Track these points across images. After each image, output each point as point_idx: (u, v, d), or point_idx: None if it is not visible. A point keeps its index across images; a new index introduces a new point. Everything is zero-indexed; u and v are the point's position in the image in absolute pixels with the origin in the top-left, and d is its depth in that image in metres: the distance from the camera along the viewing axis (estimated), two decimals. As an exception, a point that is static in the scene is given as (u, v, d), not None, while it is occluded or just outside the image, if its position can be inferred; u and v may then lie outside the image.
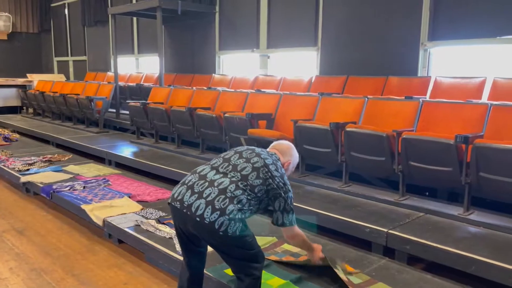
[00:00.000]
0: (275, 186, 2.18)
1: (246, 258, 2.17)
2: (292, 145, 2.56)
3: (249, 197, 2.12)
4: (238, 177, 2.14)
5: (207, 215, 2.01)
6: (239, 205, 2.07)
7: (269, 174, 2.18)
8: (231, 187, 2.09)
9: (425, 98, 4.53)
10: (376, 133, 3.53)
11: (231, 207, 2.04)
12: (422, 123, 3.70)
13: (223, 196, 2.06)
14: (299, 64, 6.95)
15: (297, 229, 2.33)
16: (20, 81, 11.12)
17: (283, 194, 2.20)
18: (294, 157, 2.51)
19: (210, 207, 2.02)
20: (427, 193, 3.77)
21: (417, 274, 2.70)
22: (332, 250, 3.07)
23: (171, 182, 4.74)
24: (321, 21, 6.35)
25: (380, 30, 5.70)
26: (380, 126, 3.72)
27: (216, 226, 2.01)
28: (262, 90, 5.73)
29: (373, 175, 4.11)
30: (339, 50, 6.16)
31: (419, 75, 5.31)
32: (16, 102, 10.83)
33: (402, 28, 5.46)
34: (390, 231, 3.01)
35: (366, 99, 4.16)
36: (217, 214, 2.01)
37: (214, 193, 2.07)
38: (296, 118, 4.26)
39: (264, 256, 2.30)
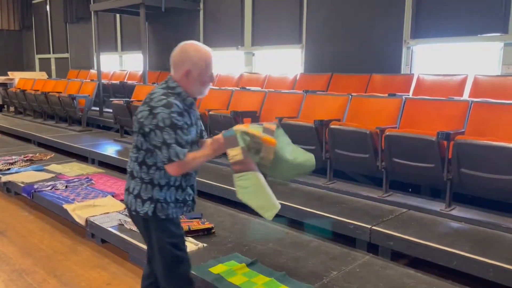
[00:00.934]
0: (141, 123, 1.85)
1: (164, 253, 1.98)
2: (188, 45, 1.96)
3: (139, 160, 1.92)
4: (131, 150, 1.99)
5: (124, 199, 2.02)
6: (138, 177, 1.92)
7: (137, 118, 1.88)
8: (128, 163, 2.00)
9: (408, 95, 4.58)
10: (360, 130, 3.55)
11: (132, 183, 1.95)
12: (405, 120, 3.74)
13: (127, 176, 2.00)
14: (284, 62, 6.96)
15: (187, 159, 1.85)
16: (0, 79, 10.90)
17: (147, 124, 1.82)
18: (192, 58, 1.92)
19: (125, 191, 2.02)
20: (410, 190, 3.81)
21: (401, 270, 2.73)
22: (316, 247, 3.08)
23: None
24: (305, 19, 6.36)
25: (363, 28, 5.74)
26: (364, 123, 3.75)
27: (129, 205, 1.98)
28: (247, 87, 5.72)
29: (357, 172, 4.14)
30: (323, 48, 6.19)
31: (402, 72, 5.37)
32: (-4, 101, 10.62)
33: (385, 26, 5.51)
34: (373, 228, 3.03)
35: (350, 96, 4.18)
36: (126, 194, 1.99)
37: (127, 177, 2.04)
38: (281, 115, 4.26)
39: (190, 263, 2.08)
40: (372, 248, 3.06)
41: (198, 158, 1.89)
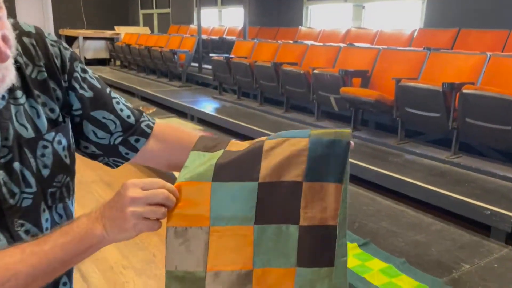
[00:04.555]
0: None
1: None
2: None
3: None
4: None
5: None
6: None
7: None
8: None
9: (562, 56, 3.73)
10: (504, 97, 2.92)
11: None
12: None
13: None
14: (398, 16, 6.20)
15: None
16: (108, 33, 11.42)
17: None
18: None
19: None
20: (559, 172, 3.14)
21: (553, 271, 2.22)
22: (439, 231, 2.65)
23: (255, 141, 4.51)
24: (428, -35, 5.52)
25: (503, -26, 4.79)
26: (506, 88, 3.10)
27: None
28: (355, 44, 5.18)
29: (491, 146, 3.52)
30: (449, -1, 5.33)
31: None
32: (104, 54, 11.18)
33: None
34: (518, 216, 2.50)
35: (488, 55, 3.50)
36: None
37: None
38: (398, 76, 3.73)
39: None
40: (512, 239, 2.56)
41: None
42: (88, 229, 0.69)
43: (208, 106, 5.90)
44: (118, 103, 0.89)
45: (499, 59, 3.47)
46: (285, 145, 0.75)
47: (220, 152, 0.78)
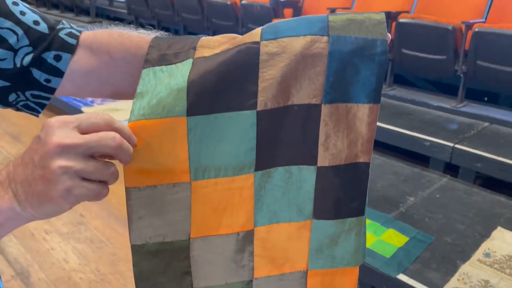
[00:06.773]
0: None
1: None
2: None
3: None
4: None
5: None
6: None
7: None
8: None
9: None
10: (440, 25, 2.87)
11: None
12: (494, 14, 3.03)
13: None
14: None
15: None
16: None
17: None
18: None
19: None
20: (486, 99, 3.26)
21: (489, 197, 2.30)
22: (381, 165, 2.64)
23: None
24: None
25: None
26: (439, 16, 3.06)
27: None
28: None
29: (425, 77, 3.54)
30: None
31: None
32: (-7, -14, 9.63)
33: None
34: (456, 146, 2.55)
35: (422, -18, 3.41)
36: None
37: None
38: (330, 6, 3.55)
39: None
40: (449, 168, 2.62)
41: None
42: None
43: (125, 44, 5.33)
44: (15, 3, 0.56)
45: (431, -14, 3.40)
46: (292, 49, 0.49)
47: (188, 63, 0.50)
